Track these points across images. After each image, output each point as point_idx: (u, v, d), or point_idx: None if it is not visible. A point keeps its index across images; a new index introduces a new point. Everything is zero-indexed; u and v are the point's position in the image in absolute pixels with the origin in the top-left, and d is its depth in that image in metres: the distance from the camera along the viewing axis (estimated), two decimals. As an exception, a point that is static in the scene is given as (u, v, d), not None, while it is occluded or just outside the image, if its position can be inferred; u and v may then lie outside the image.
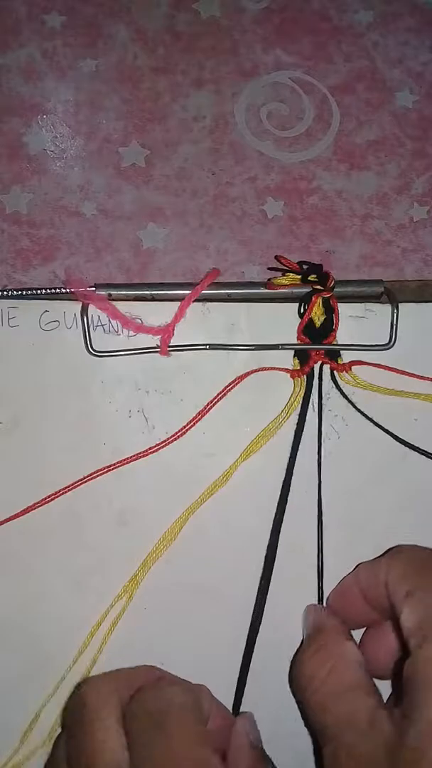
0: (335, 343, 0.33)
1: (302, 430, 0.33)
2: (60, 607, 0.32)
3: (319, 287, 0.32)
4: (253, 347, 0.33)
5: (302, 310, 0.33)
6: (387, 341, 0.33)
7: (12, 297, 0.32)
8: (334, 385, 0.33)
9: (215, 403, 0.33)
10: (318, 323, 0.33)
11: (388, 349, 0.33)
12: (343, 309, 0.33)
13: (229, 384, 0.33)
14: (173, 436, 0.33)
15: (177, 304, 0.32)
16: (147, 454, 0.32)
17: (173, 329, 0.32)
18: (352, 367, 0.33)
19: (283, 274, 0.33)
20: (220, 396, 0.33)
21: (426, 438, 0.33)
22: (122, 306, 0.33)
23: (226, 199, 0.36)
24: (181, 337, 0.33)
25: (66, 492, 0.32)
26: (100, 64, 0.37)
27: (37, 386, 0.33)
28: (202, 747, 0.24)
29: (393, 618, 0.27)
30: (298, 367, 0.33)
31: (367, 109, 0.37)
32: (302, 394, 0.33)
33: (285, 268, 0.33)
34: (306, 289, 0.33)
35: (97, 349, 0.32)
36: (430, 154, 0.37)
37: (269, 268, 0.35)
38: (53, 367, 0.33)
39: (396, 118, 0.37)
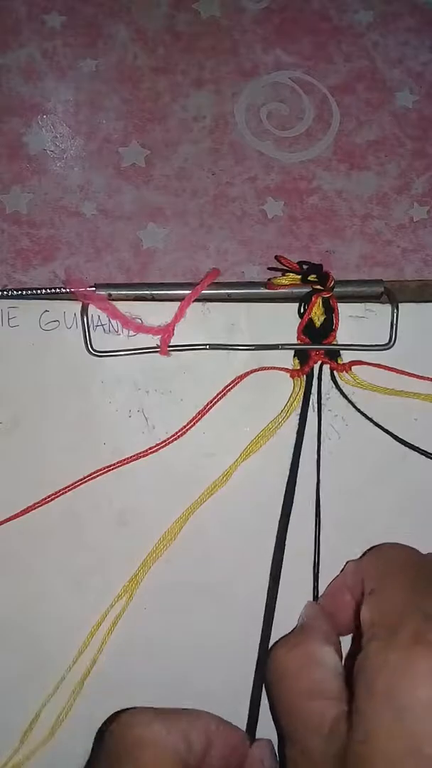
0: (335, 343, 0.33)
1: (304, 430, 0.33)
2: (60, 607, 0.32)
3: (319, 287, 0.32)
4: (253, 347, 0.33)
5: (302, 310, 0.33)
6: (387, 341, 0.33)
7: (12, 297, 0.33)
8: (334, 385, 0.33)
9: (215, 403, 0.33)
10: (318, 323, 0.33)
11: (388, 349, 0.33)
12: (343, 309, 0.33)
13: (229, 384, 0.33)
14: (173, 436, 0.33)
15: (177, 304, 0.32)
16: (147, 454, 0.32)
17: (173, 329, 0.32)
18: (352, 367, 0.33)
19: (283, 274, 0.33)
20: (219, 396, 0.33)
21: (426, 438, 0.33)
22: (122, 306, 0.33)
23: (226, 199, 0.36)
24: (181, 337, 0.33)
25: (66, 492, 0.32)
26: (100, 64, 0.37)
27: (37, 386, 0.33)
28: None
29: None
30: (298, 367, 0.33)
31: (367, 109, 0.37)
32: (302, 394, 0.33)
33: (285, 268, 0.34)
34: (306, 289, 0.33)
35: (97, 349, 0.32)
36: (430, 154, 0.37)
37: (269, 268, 0.35)
38: (53, 367, 0.33)
39: (396, 118, 0.37)
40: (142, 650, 0.32)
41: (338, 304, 0.33)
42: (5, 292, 0.33)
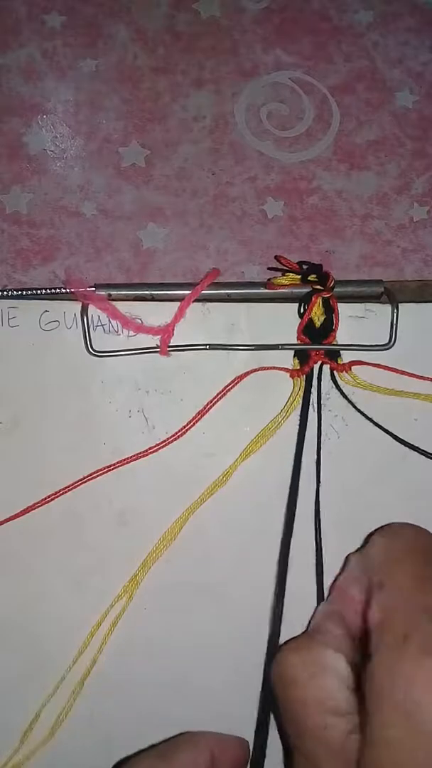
0: (335, 343, 0.33)
1: (305, 431, 0.33)
2: (60, 607, 0.32)
3: (319, 287, 0.32)
4: (253, 347, 0.33)
5: (302, 310, 0.33)
6: (387, 341, 0.33)
7: (12, 297, 0.33)
8: (333, 385, 0.33)
9: (215, 402, 0.33)
10: (318, 323, 0.33)
11: (388, 349, 0.33)
12: (343, 309, 0.33)
13: (229, 384, 0.33)
14: (173, 436, 0.33)
15: (177, 304, 0.32)
16: (147, 454, 0.32)
17: (173, 329, 0.32)
18: (352, 367, 0.33)
19: (283, 274, 0.33)
20: (219, 396, 0.33)
21: (426, 438, 0.33)
22: (122, 306, 0.33)
23: (226, 199, 0.36)
24: (181, 337, 0.33)
25: (66, 492, 0.32)
26: (100, 64, 0.37)
27: (37, 386, 0.33)
28: None
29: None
30: (298, 367, 0.33)
31: (367, 109, 0.37)
32: (302, 394, 0.33)
33: (285, 268, 0.34)
34: (306, 289, 0.33)
35: (97, 349, 0.32)
36: (430, 154, 0.37)
37: (269, 268, 0.35)
38: (53, 367, 0.33)
39: (396, 118, 0.37)
40: (142, 650, 0.32)
41: (338, 304, 0.33)
42: (5, 292, 0.33)
